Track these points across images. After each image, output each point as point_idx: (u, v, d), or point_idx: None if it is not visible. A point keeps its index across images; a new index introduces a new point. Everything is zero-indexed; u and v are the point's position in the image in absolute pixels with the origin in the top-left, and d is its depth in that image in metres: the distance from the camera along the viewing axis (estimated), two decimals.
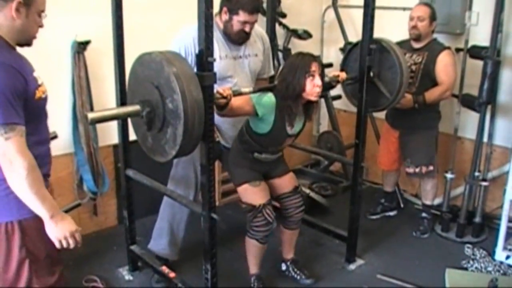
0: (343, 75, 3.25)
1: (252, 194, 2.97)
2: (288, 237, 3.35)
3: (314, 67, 2.75)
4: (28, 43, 2.05)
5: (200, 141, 2.30)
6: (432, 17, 3.77)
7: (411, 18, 3.79)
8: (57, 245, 2.02)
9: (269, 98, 2.80)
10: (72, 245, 2.05)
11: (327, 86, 3.26)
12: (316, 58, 2.80)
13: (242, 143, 3.01)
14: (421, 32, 3.76)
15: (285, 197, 3.16)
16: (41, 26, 2.05)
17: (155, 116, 2.24)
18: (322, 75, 2.81)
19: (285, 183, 3.16)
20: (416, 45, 3.85)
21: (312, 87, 2.74)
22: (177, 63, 2.18)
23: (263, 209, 2.94)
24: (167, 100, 2.16)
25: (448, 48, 3.80)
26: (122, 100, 2.92)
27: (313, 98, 2.79)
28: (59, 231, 1.99)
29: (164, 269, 3.10)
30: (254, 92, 2.77)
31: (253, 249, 3.13)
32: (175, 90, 2.11)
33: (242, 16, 2.89)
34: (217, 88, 2.39)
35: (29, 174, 1.87)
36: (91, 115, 2.17)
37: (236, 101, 2.67)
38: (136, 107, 2.28)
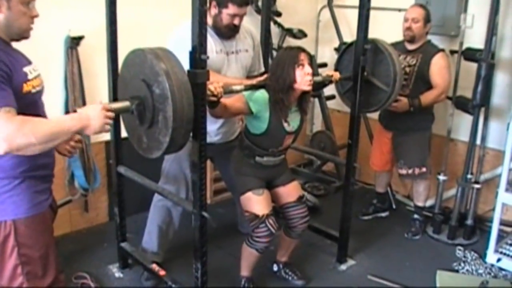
0: (336, 75, 3.24)
1: (255, 203, 2.93)
2: (287, 244, 3.33)
3: (303, 57, 2.75)
4: (24, 36, 2.01)
5: (191, 129, 2.27)
6: (427, 19, 3.76)
7: (406, 20, 3.78)
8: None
9: (262, 93, 2.79)
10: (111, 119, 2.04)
11: (320, 85, 3.25)
12: (304, 50, 2.80)
13: (243, 149, 2.98)
14: (415, 33, 3.76)
15: (290, 207, 3.12)
16: (35, 16, 2.00)
17: (145, 108, 2.22)
18: (311, 65, 2.79)
19: (290, 192, 3.12)
20: (410, 47, 3.85)
21: (303, 76, 2.73)
22: (160, 52, 2.18)
23: (266, 220, 2.90)
24: (153, 87, 2.15)
25: (442, 50, 3.80)
26: (115, 97, 2.89)
27: (306, 88, 2.77)
28: (98, 128, 1.97)
29: (154, 267, 3.09)
30: (245, 89, 2.77)
31: (249, 257, 3.10)
32: (159, 72, 2.09)
33: (231, 9, 2.90)
34: (208, 85, 2.38)
35: (36, 136, 1.77)
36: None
37: (228, 100, 2.67)
38: (126, 103, 2.26)
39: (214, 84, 2.46)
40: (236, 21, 2.97)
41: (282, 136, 2.92)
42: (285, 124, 2.88)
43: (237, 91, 2.72)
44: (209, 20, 2.98)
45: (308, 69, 2.75)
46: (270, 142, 2.92)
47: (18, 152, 1.79)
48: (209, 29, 2.94)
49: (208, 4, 2.92)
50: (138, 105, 2.23)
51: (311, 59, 2.83)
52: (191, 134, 2.31)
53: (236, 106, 2.74)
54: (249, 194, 2.94)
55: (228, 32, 3.02)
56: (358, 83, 3.22)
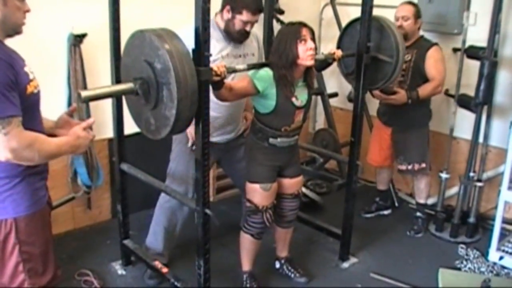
0: (338, 53, 3.19)
1: (259, 196, 2.96)
2: (282, 235, 3.34)
3: (305, 32, 2.74)
4: (17, 32, 2.00)
5: (197, 100, 2.26)
6: (417, 15, 3.78)
7: (396, 19, 3.78)
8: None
9: (266, 71, 2.78)
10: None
11: (323, 64, 3.25)
12: (306, 24, 2.79)
13: (255, 132, 2.96)
14: (407, 31, 3.75)
15: (284, 198, 3.15)
16: (27, 11, 2.00)
17: (149, 86, 2.24)
18: (314, 40, 2.78)
19: (291, 186, 3.13)
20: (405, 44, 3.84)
21: (305, 51, 2.73)
22: (157, 29, 2.21)
23: (264, 212, 2.96)
24: (155, 63, 2.16)
25: (436, 44, 3.82)
26: None
27: (308, 63, 2.77)
28: (83, 150, 2.16)
29: (157, 264, 3.09)
30: (249, 69, 2.77)
31: (247, 244, 3.13)
32: (158, 46, 2.11)
33: (245, 15, 2.90)
34: (211, 65, 2.39)
35: (40, 154, 1.90)
36: (84, 93, 2.14)
37: (233, 81, 2.68)
38: (129, 84, 2.27)
39: (217, 64, 2.48)
40: (247, 28, 2.97)
41: (292, 111, 2.89)
42: (293, 99, 2.85)
43: (240, 70, 2.73)
44: (221, 24, 2.99)
45: (310, 44, 2.74)
46: (281, 120, 2.88)
47: (16, 162, 1.90)
48: (218, 32, 2.97)
49: (221, 8, 2.94)
50: (142, 84, 2.24)
51: (313, 33, 2.81)
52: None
53: (241, 85, 2.74)
54: (256, 186, 2.95)
55: (240, 38, 3.02)
56: (360, 88, 3.23)
